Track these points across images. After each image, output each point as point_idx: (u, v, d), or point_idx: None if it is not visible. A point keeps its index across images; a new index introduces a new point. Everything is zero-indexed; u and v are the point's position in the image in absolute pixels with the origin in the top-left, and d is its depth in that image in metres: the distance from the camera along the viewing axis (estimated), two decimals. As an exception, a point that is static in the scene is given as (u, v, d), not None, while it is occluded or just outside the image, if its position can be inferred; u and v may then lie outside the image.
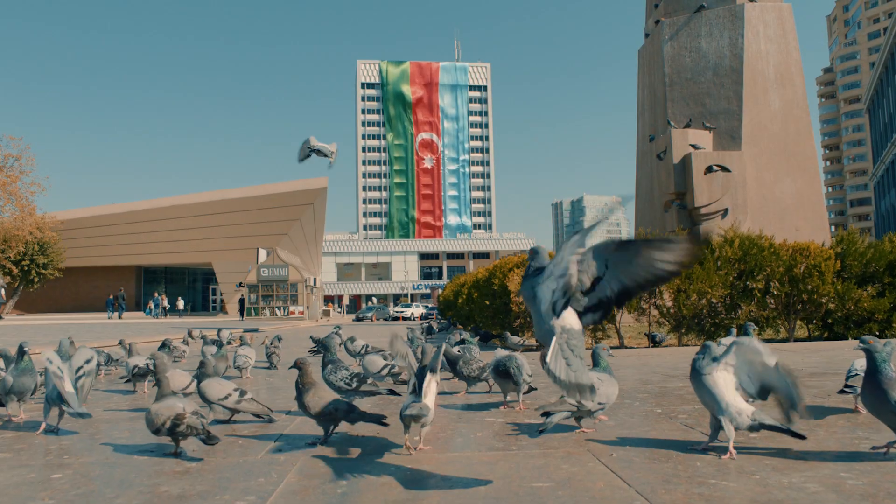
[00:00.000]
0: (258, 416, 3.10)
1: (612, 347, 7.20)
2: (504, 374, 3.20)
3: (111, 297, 35.04)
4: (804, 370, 4.88)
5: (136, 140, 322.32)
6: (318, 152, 6.69)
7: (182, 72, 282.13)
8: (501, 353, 3.23)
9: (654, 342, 7.14)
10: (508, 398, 3.40)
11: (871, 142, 74.20)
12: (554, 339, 1.92)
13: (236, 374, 5.47)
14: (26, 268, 39.48)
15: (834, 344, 6.88)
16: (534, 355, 6.67)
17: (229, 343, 7.83)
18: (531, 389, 3.42)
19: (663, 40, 18.03)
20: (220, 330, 8.82)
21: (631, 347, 7.33)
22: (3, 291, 32.10)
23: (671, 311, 7.08)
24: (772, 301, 6.93)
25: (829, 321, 7.30)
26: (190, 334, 7.62)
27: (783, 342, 7.08)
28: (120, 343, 5.91)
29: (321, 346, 7.13)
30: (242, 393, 3.05)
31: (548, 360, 1.89)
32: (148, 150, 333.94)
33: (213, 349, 5.25)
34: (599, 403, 2.61)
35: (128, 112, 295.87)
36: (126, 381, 4.75)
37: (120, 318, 31.95)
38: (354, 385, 3.08)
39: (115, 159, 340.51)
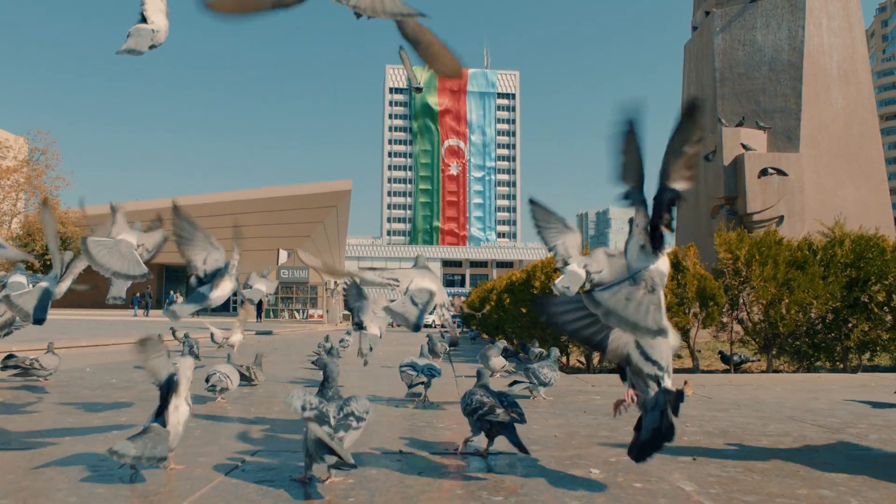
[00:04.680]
0: None
1: (685, 371, 5.83)
2: None
3: (137, 294, 34.86)
4: None
5: (161, 138, 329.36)
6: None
7: (210, 72, 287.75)
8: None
9: (734, 365, 5.73)
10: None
11: (915, 158, 71.35)
12: None
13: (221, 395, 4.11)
14: (49, 263, 39.33)
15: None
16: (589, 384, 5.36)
17: (221, 346, 6.68)
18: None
19: (714, 32, 16.60)
20: (213, 333, 7.65)
21: (708, 371, 5.90)
22: (32, 288, 32.01)
23: (759, 327, 5.67)
24: (890, 318, 5.47)
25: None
26: (173, 334, 6.50)
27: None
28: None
29: (322, 368, 5.89)
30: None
31: None
32: (173, 148, 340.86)
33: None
34: None
35: (154, 110, 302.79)
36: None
37: (147, 315, 31.93)
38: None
39: (140, 156, 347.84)
